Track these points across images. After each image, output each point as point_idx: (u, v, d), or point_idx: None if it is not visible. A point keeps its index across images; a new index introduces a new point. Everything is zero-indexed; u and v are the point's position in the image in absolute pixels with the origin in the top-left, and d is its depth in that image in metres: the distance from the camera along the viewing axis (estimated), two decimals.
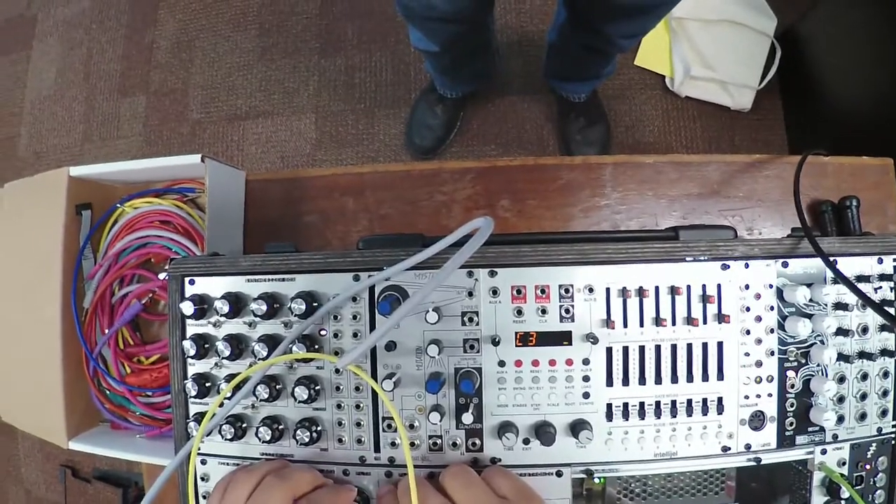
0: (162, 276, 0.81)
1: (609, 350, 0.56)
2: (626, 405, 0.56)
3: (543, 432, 0.54)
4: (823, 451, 0.58)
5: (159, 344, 0.82)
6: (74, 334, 0.79)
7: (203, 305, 0.58)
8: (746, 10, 1.70)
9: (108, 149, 2.03)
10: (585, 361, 0.55)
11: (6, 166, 2.11)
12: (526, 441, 0.56)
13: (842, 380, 0.58)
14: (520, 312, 0.55)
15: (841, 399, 0.58)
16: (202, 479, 0.60)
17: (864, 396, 0.58)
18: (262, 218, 0.82)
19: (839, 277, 0.53)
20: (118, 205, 0.84)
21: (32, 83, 2.15)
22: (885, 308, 0.57)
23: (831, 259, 0.54)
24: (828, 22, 1.57)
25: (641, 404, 0.56)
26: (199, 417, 0.59)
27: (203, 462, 0.60)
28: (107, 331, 0.81)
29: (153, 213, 0.81)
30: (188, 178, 0.84)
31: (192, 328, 0.60)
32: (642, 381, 0.56)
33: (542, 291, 0.55)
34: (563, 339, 0.55)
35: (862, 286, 0.57)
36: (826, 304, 0.57)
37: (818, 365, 0.57)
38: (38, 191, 0.82)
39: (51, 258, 0.78)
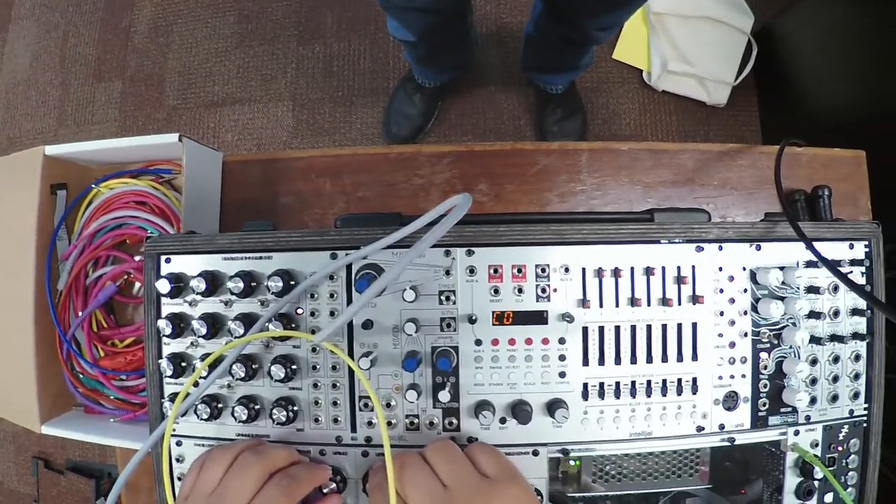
0: (137, 257, 0.80)
1: (585, 330, 0.56)
2: (601, 385, 0.56)
3: (520, 411, 0.54)
4: (796, 433, 0.59)
5: (133, 327, 0.81)
6: (48, 316, 0.78)
7: (179, 284, 0.58)
8: (724, 6, 1.72)
9: (82, 134, 1.99)
10: (561, 341, 0.56)
11: None
12: (502, 420, 0.56)
13: (814, 362, 0.59)
14: (496, 291, 0.56)
15: (813, 381, 0.59)
16: (177, 460, 0.60)
17: (835, 379, 0.60)
18: (238, 199, 0.81)
19: (819, 258, 0.54)
20: (93, 185, 0.82)
21: (7, 66, 2.10)
22: (864, 288, 0.59)
23: (809, 241, 0.55)
24: (803, 20, 1.59)
25: (617, 384, 0.56)
26: (174, 397, 0.58)
27: (178, 443, 0.59)
28: (80, 313, 0.80)
29: (129, 193, 0.80)
30: (164, 159, 0.83)
31: (168, 307, 0.59)
32: (618, 360, 0.56)
33: (519, 271, 0.56)
34: (540, 318, 0.56)
35: None
36: (798, 287, 0.58)
37: (790, 347, 0.58)
38: (13, 170, 0.81)
39: (24, 239, 0.77)
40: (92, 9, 2.06)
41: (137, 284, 0.83)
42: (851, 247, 0.61)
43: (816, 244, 0.58)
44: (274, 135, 1.89)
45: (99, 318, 0.82)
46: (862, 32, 1.35)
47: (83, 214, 0.83)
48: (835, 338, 0.59)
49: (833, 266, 0.52)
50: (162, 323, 0.57)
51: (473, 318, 0.55)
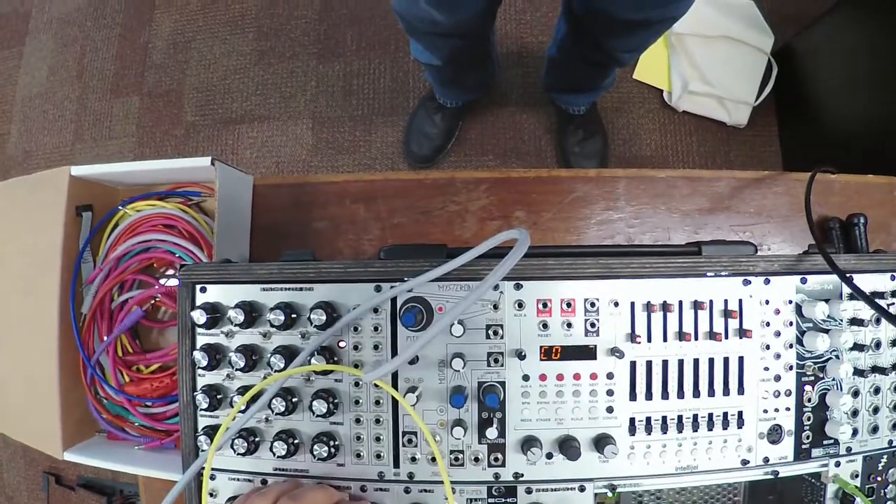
0: (164, 281, 0.79)
1: (633, 364, 0.55)
2: (648, 419, 0.55)
3: (568, 447, 0.53)
4: (837, 464, 0.58)
5: (159, 352, 0.80)
6: (72, 340, 0.77)
7: (215, 314, 0.57)
8: (744, 27, 1.72)
9: (99, 149, 1.99)
10: (609, 375, 0.55)
11: None
12: (549, 455, 0.55)
13: (856, 394, 0.58)
14: (545, 326, 0.55)
15: (855, 412, 0.58)
16: (210, 494, 0.58)
17: (876, 410, 0.59)
18: (268, 224, 0.80)
19: (856, 292, 0.53)
20: (120, 207, 0.81)
21: (24, 80, 2.10)
22: None
23: (847, 275, 0.55)
24: (824, 40, 1.59)
25: (664, 418, 0.56)
26: (209, 431, 0.57)
27: (212, 477, 0.58)
28: (105, 337, 0.79)
29: (157, 216, 0.79)
30: (192, 181, 0.82)
31: (203, 338, 0.58)
32: (665, 395, 0.56)
33: (568, 305, 0.55)
34: (588, 353, 0.55)
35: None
36: (842, 320, 0.58)
37: (833, 379, 0.58)
38: (37, 190, 0.80)
39: (49, 260, 0.76)
40: (110, 24, 2.07)
41: (163, 309, 0.82)
42: (893, 278, 0.60)
43: (858, 276, 0.58)
44: (293, 153, 1.88)
45: (124, 343, 0.81)
46: (883, 52, 1.34)
47: (109, 236, 0.81)
48: (876, 369, 0.59)
49: (870, 298, 0.52)
50: (198, 355, 0.56)
51: (521, 353, 0.54)
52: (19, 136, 2.08)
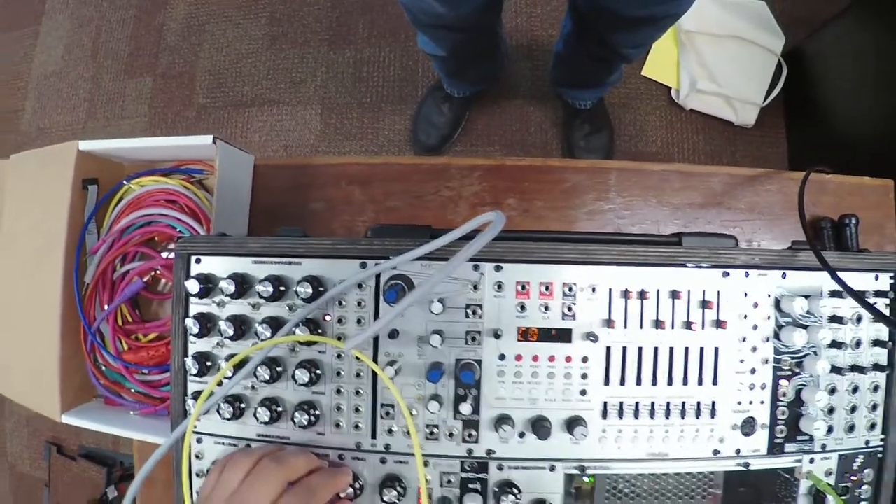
0: (165, 254, 0.82)
1: (608, 349, 0.56)
2: (621, 404, 0.57)
3: (540, 426, 0.55)
4: (811, 461, 0.59)
5: (158, 322, 0.83)
6: (74, 308, 0.80)
7: (208, 285, 0.59)
8: (755, 27, 1.71)
9: (111, 128, 2.02)
10: (584, 359, 0.56)
11: (8, 140, 2.10)
12: (521, 434, 0.56)
13: (833, 391, 0.59)
14: (523, 308, 0.56)
15: (831, 410, 0.59)
16: (196, 457, 0.60)
17: (853, 409, 0.60)
18: (267, 203, 0.82)
19: (844, 289, 0.53)
20: (125, 181, 0.84)
21: (39, 58, 2.14)
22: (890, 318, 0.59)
23: (833, 271, 0.55)
24: (835, 43, 1.58)
25: (637, 404, 0.57)
26: (197, 395, 0.59)
27: (198, 440, 0.60)
28: (106, 306, 0.81)
29: (160, 191, 0.82)
30: (195, 158, 0.84)
31: (196, 307, 0.60)
32: (639, 381, 0.57)
33: (546, 288, 0.56)
34: (564, 336, 0.56)
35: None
36: (822, 317, 0.58)
37: (811, 375, 0.58)
38: (46, 163, 0.83)
39: (55, 231, 0.78)
40: (126, 5, 2.10)
41: (163, 281, 0.85)
42: (877, 278, 0.60)
43: (841, 274, 0.58)
44: (301, 137, 1.90)
45: (124, 313, 0.83)
46: (892, 55, 1.33)
47: (113, 210, 0.84)
48: (855, 368, 0.59)
49: (858, 295, 0.52)
50: (189, 322, 0.58)
51: (499, 332, 0.56)
52: (34, 113, 2.12)
